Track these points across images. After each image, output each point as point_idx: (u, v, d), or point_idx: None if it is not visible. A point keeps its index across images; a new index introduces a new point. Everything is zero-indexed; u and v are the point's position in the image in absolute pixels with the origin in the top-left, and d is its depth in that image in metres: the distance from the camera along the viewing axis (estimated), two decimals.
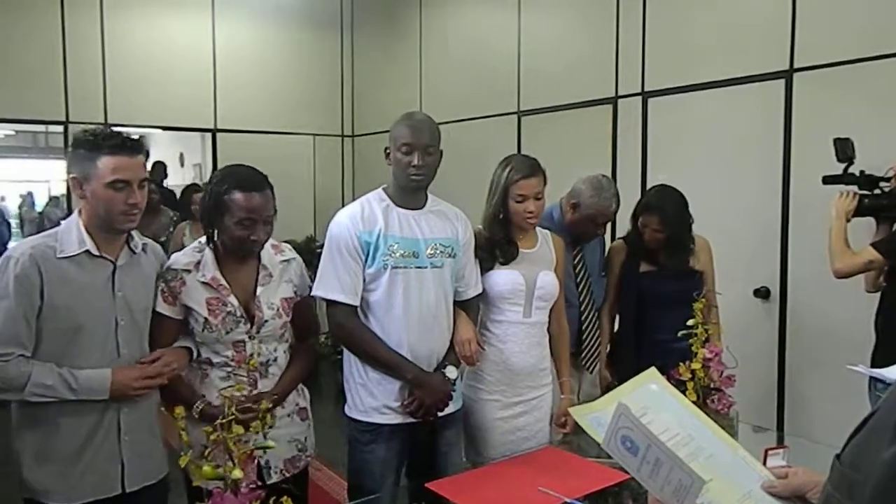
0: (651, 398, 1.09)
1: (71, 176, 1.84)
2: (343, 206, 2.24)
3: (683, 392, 2.22)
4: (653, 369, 1.20)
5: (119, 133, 1.85)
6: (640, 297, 2.80)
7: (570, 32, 4.56)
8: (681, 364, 2.22)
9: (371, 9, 6.50)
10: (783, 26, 3.36)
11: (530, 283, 2.29)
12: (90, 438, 1.84)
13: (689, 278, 2.71)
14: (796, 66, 3.34)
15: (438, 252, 2.17)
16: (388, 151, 2.18)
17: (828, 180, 2.68)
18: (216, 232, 2.01)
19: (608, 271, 2.94)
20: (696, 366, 2.18)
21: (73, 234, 1.84)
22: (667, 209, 2.72)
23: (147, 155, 1.91)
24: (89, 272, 1.84)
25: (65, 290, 1.79)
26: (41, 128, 6.20)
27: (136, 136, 1.90)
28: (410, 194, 2.19)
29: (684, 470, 0.91)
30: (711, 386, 2.20)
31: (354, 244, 2.10)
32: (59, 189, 6.26)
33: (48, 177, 8.09)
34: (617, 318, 2.96)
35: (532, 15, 4.82)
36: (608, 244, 3.11)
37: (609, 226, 3.14)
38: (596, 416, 1.04)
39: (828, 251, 2.56)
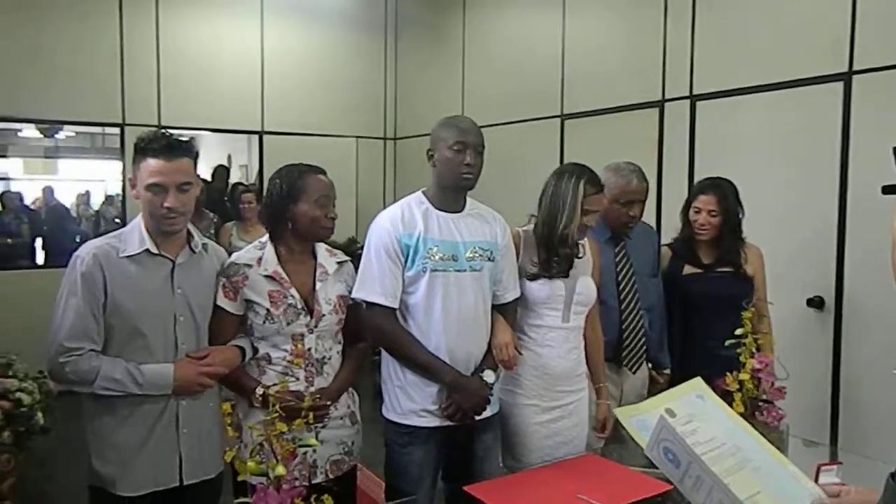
0: (697, 407, 1.07)
1: (129, 177, 1.95)
2: (384, 207, 2.26)
3: (730, 403, 2.17)
4: (698, 379, 1.18)
5: (166, 136, 1.90)
6: (685, 300, 2.75)
7: (616, 33, 4.51)
8: (728, 374, 2.17)
9: (415, 13, 6.55)
10: (842, 27, 3.26)
11: (569, 289, 2.28)
12: (151, 431, 1.92)
13: (738, 282, 2.65)
14: (856, 68, 3.24)
15: (478, 255, 2.17)
16: (430, 154, 2.19)
17: (887, 190, 2.58)
18: (289, 223, 2.07)
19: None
20: (744, 376, 2.12)
21: (135, 235, 1.93)
22: (723, 188, 2.71)
23: (195, 157, 1.96)
24: (149, 270, 1.92)
25: (126, 287, 1.87)
26: (98, 129, 6.41)
27: (185, 139, 1.95)
28: (452, 197, 2.19)
29: (724, 491, 0.89)
30: (762, 398, 2.15)
31: (394, 247, 2.11)
32: (115, 189, 6.47)
33: (104, 176, 8.37)
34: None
35: (577, 16, 4.78)
36: (662, 246, 3.03)
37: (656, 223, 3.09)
38: (641, 419, 1.02)
39: (892, 266, 2.46)
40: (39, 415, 3.47)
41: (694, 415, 1.04)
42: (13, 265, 5.99)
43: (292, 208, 2.06)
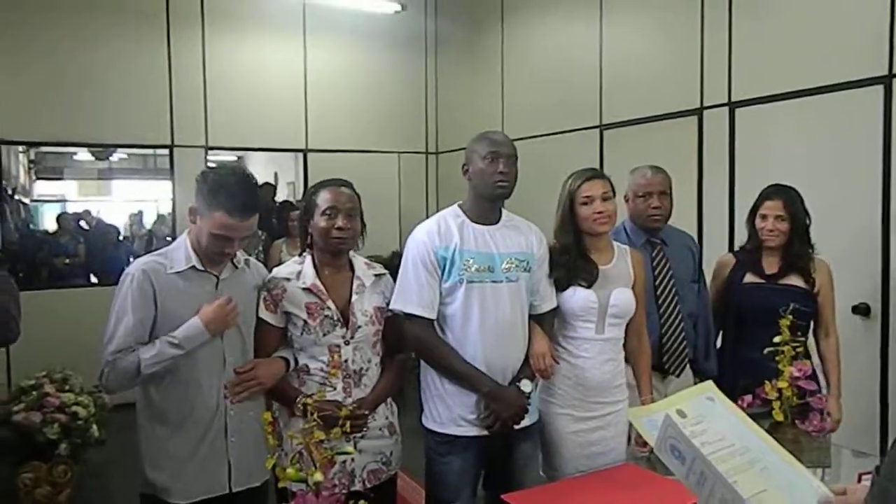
0: (707, 408, 1.09)
1: (191, 205, 2.00)
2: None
3: (770, 412, 2.15)
4: (709, 382, 1.20)
5: (242, 191, 1.93)
6: (741, 310, 2.71)
7: (653, 42, 4.50)
8: (767, 382, 2.15)
9: (454, 29, 6.63)
10: (881, 29, 3.20)
11: (603, 301, 2.28)
12: (202, 440, 1.99)
13: (799, 297, 2.55)
14: None
15: (514, 266, 2.20)
16: (465, 168, 2.25)
17: None
18: (310, 237, 2.16)
19: (713, 282, 2.86)
20: (782, 384, 2.10)
21: (181, 252, 2.02)
22: (790, 192, 2.68)
23: (261, 209, 2.02)
24: (196, 285, 2.00)
25: (175, 300, 1.96)
26: (149, 151, 6.65)
27: (259, 185, 2.02)
28: (487, 209, 2.23)
29: (727, 486, 0.92)
30: (810, 406, 2.12)
31: (431, 259, 2.15)
32: (165, 208, 6.69)
33: (156, 196, 8.65)
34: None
35: (614, 27, 4.79)
36: (725, 255, 3.00)
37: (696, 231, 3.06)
38: (652, 420, 1.05)
39: None
40: (94, 427, 3.60)
41: (704, 416, 1.06)
42: (69, 284, 6.22)
43: (311, 223, 2.15)
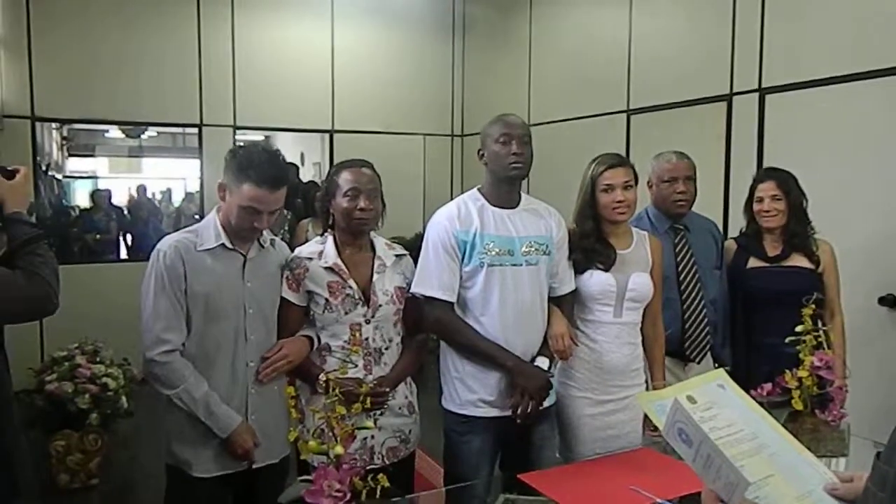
0: (717, 395, 1.11)
1: (220, 181, 2.03)
2: None
3: (789, 401, 2.14)
4: (721, 370, 1.21)
5: (271, 163, 1.97)
6: (747, 295, 2.71)
7: (683, 26, 4.44)
8: (787, 371, 2.14)
9: (482, 12, 6.59)
10: None
11: (621, 285, 2.28)
12: None
13: (804, 278, 2.58)
14: None
15: (533, 250, 2.22)
16: (481, 153, 2.27)
17: None
18: (332, 217, 2.19)
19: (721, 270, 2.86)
20: (802, 373, 2.10)
21: (210, 230, 2.05)
22: (781, 172, 2.69)
23: (298, 164, 2.06)
24: (224, 263, 2.04)
25: (204, 278, 2.00)
26: (179, 129, 6.73)
27: (287, 163, 2.04)
28: (506, 192, 2.24)
29: (733, 469, 0.94)
30: (827, 396, 2.11)
31: (452, 243, 2.17)
32: (194, 186, 6.78)
33: (184, 174, 8.78)
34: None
35: (643, 10, 4.73)
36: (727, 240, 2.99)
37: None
38: (663, 404, 1.06)
39: None
40: (124, 399, 3.70)
41: (714, 402, 1.07)
42: (101, 259, 6.36)
43: (332, 203, 2.18)
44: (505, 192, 2.24)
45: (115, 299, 5.23)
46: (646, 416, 2.38)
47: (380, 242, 2.26)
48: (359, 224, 2.15)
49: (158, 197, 8.11)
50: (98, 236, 6.71)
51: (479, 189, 2.29)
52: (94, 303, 5.07)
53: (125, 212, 7.24)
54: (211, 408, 1.97)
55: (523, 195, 2.30)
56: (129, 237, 7.03)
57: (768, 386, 2.20)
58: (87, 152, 7.95)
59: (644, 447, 2.29)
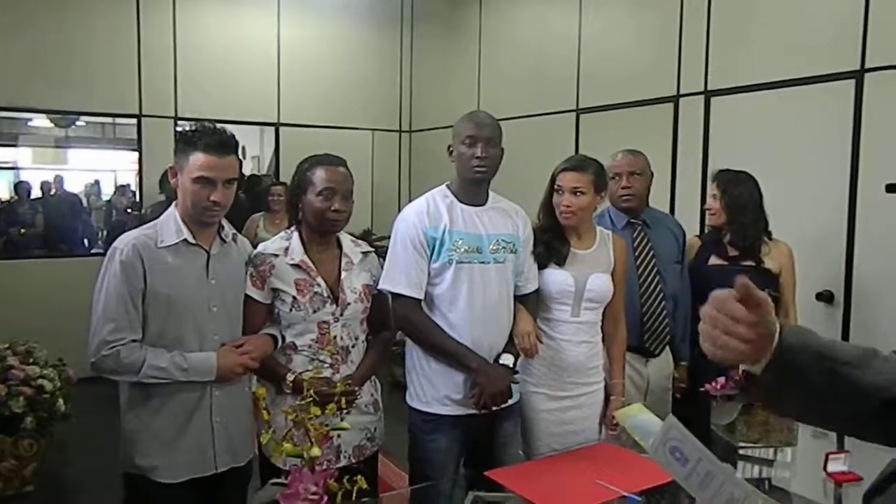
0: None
1: (170, 166, 1.96)
2: (399, 199, 2.32)
3: (742, 394, 2.21)
4: (639, 404, 1.20)
5: (218, 131, 1.92)
6: (706, 291, 2.76)
7: (631, 29, 4.54)
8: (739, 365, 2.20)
9: (431, 6, 6.57)
10: (855, 25, 3.29)
11: (580, 285, 2.32)
12: (189, 419, 1.96)
13: (759, 277, 2.62)
14: (868, 66, 3.27)
15: (501, 248, 2.23)
16: (450, 149, 2.25)
17: (891, 188, 2.64)
18: (301, 213, 2.13)
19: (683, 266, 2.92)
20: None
21: (171, 225, 1.96)
22: (725, 172, 2.80)
23: (240, 152, 2.00)
24: (186, 259, 1.96)
25: (165, 276, 1.91)
26: (108, 120, 6.45)
27: (233, 134, 1.98)
28: (473, 190, 2.24)
29: (737, 483, 0.93)
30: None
31: (420, 239, 2.16)
32: (126, 178, 6.51)
33: (115, 166, 8.43)
34: None
35: (593, 11, 4.81)
36: (693, 237, 3.07)
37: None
38: (643, 420, 1.05)
39: None
40: (61, 401, 3.52)
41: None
42: (27, 255, 6.05)
43: (303, 199, 2.12)
44: (472, 190, 2.24)
45: (46, 297, 5.00)
46: (604, 412, 2.43)
47: (346, 240, 2.23)
48: (332, 225, 2.12)
49: (81, 189, 7.73)
50: (23, 230, 6.38)
51: (448, 186, 2.28)
52: (25, 301, 4.84)
53: (53, 204, 6.89)
54: (184, 366, 1.90)
55: (491, 193, 2.30)
56: (53, 231, 6.67)
57: (721, 379, 2.26)
58: (9, 142, 7.56)
59: (603, 442, 2.33)
